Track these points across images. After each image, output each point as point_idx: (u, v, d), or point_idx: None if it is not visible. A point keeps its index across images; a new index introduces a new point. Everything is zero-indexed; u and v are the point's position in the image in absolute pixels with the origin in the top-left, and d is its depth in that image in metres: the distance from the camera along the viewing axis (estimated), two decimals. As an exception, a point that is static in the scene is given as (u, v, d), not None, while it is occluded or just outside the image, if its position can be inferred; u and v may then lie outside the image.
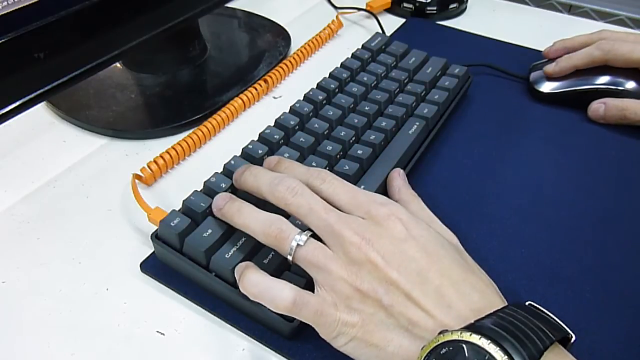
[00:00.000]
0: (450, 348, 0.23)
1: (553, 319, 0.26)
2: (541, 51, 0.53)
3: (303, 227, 0.30)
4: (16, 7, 0.32)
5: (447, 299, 0.26)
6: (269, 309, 0.30)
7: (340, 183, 0.31)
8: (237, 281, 0.29)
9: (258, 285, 0.28)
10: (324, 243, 0.28)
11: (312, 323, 0.28)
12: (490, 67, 0.53)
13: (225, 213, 0.32)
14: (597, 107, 0.47)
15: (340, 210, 0.30)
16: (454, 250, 0.29)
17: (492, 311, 0.25)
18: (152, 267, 0.34)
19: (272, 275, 0.29)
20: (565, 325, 0.26)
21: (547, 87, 0.50)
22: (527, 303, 0.27)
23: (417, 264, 0.27)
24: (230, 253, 0.31)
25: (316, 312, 0.27)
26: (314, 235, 0.29)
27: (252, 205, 0.31)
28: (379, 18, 0.62)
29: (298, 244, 0.28)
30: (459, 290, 0.27)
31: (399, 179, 0.37)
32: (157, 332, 0.31)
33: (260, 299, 0.28)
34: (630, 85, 0.47)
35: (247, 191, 0.33)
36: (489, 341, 0.22)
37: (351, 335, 0.27)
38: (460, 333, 0.23)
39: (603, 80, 0.48)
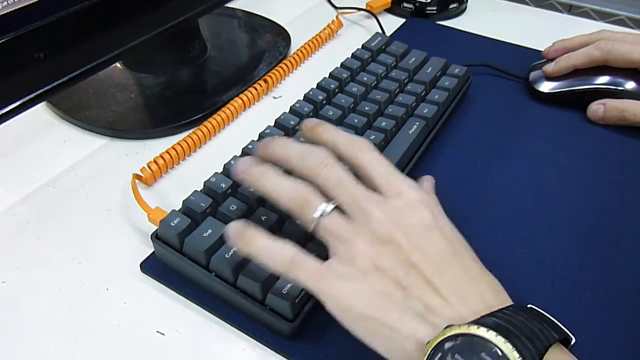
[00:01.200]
0: (457, 341, 0.23)
1: (553, 321, 0.26)
2: (541, 51, 0.53)
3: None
4: (16, 7, 0.32)
5: (466, 291, 0.26)
6: (269, 309, 0.30)
7: (380, 156, 0.30)
8: (230, 240, 0.28)
9: (257, 242, 0.28)
10: None
11: (311, 289, 0.27)
12: (490, 67, 0.53)
13: (249, 175, 0.30)
14: (597, 108, 0.47)
15: (371, 182, 0.29)
16: (471, 249, 0.29)
17: (496, 309, 0.25)
18: (152, 267, 0.34)
19: (274, 271, 0.28)
20: (565, 325, 0.26)
21: (546, 87, 0.50)
22: (528, 306, 0.27)
23: (441, 252, 0.27)
24: (230, 253, 0.31)
25: (314, 275, 0.26)
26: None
27: (277, 170, 0.30)
28: (379, 18, 0.62)
29: (322, 214, 0.27)
30: (476, 285, 0.26)
31: None
32: (157, 332, 0.31)
33: (260, 256, 0.28)
34: (630, 85, 0.47)
35: (273, 161, 0.31)
36: (497, 334, 0.22)
37: (361, 311, 0.25)
38: (468, 327, 0.23)
39: (602, 80, 0.48)
